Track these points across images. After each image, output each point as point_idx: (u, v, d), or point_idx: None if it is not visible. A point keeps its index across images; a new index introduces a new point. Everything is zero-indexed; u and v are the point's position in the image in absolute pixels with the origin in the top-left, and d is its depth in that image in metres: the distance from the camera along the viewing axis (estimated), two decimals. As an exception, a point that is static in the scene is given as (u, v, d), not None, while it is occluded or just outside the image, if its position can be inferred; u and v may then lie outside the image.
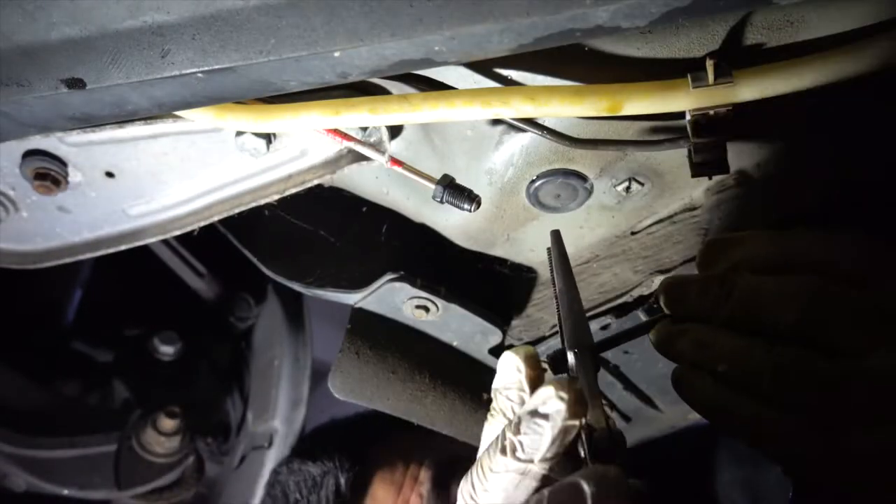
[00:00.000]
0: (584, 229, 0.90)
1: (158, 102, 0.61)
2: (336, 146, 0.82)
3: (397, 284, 0.98)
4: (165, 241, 1.50)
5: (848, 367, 0.52)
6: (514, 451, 0.56)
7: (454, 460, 1.26)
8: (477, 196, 0.82)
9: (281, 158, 0.84)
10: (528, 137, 0.76)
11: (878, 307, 0.54)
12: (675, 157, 0.81)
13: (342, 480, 1.31)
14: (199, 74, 0.57)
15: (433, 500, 1.26)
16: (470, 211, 0.82)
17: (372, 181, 0.93)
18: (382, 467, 1.32)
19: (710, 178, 0.84)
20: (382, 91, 0.76)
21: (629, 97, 0.66)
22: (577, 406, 0.55)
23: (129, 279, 1.64)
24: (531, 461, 0.56)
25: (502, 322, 1.04)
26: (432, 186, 0.81)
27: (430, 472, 1.30)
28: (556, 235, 0.72)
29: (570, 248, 0.94)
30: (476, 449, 0.65)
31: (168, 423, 1.43)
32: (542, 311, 1.00)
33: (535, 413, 0.56)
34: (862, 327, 0.53)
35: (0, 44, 0.54)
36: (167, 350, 1.61)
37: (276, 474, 1.42)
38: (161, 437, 1.43)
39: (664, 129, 0.76)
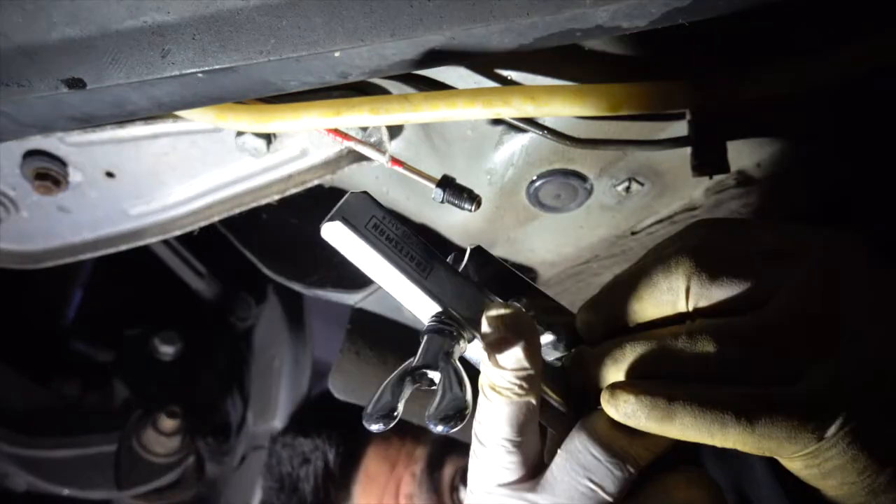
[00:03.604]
0: (584, 229, 0.90)
1: (158, 102, 0.61)
2: (336, 146, 0.82)
3: (398, 284, 0.98)
4: (165, 241, 1.49)
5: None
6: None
7: (450, 440, 1.25)
8: (477, 196, 0.82)
9: (281, 158, 0.84)
10: (529, 137, 0.76)
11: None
12: (676, 157, 0.81)
13: (331, 457, 1.31)
14: (200, 74, 0.57)
15: (425, 480, 1.25)
16: (470, 211, 0.82)
17: (372, 181, 0.93)
18: (377, 441, 1.32)
19: (711, 178, 0.84)
20: (382, 91, 0.76)
21: (630, 97, 0.66)
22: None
23: (129, 279, 1.64)
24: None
25: (502, 322, 1.04)
26: (432, 186, 0.81)
27: (427, 449, 1.28)
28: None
29: (570, 249, 0.94)
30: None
31: (168, 423, 1.43)
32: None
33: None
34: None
35: (0, 44, 0.54)
36: (167, 350, 1.61)
37: (273, 442, 1.43)
38: (161, 437, 1.43)
39: (664, 128, 0.76)
